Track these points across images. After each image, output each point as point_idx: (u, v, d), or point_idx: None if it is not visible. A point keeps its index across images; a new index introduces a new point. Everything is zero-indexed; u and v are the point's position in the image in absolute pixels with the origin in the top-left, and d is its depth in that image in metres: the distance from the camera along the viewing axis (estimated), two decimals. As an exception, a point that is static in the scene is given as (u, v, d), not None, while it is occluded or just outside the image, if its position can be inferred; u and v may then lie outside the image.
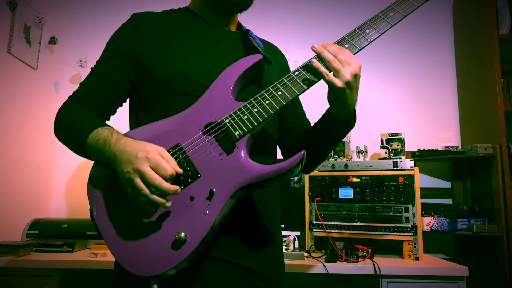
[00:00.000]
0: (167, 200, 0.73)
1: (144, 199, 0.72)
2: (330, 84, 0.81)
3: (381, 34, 0.87)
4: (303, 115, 1.12)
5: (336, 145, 0.96)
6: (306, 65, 0.86)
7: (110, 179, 0.81)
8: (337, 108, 0.87)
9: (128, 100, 0.98)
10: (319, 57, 0.83)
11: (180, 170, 0.75)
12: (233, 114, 0.82)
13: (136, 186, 0.72)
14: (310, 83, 0.84)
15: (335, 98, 0.84)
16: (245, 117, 0.81)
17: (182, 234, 0.73)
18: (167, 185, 0.72)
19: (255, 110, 0.82)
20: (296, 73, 0.85)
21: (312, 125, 1.01)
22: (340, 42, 0.87)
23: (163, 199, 0.73)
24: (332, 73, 0.81)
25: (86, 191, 0.85)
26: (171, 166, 0.73)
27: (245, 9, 0.97)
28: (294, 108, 1.10)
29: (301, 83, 0.83)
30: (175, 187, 0.73)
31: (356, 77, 0.81)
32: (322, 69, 0.81)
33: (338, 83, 0.80)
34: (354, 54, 0.84)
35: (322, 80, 0.83)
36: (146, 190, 0.71)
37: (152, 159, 0.72)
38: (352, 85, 0.81)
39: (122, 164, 0.74)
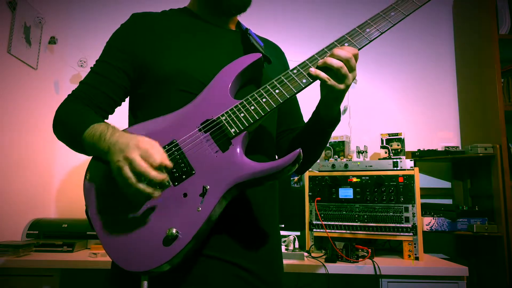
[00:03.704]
0: (155, 189, 0.72)
1: (131, 188, 0.71)
2: (332, 88, 0.80)
3: (382, 33, 0.87)
4: (300, 116, 1.12)
5: (325, 145, 1.00)
6: (305, 63, 0.85)
7: (106, 176, 0.81)
8: (331, 107, 0.88)
9: (127, 99, 0.98)
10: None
11: (169, 164, 0.74)
12: (229, 111, 0.82)
13: (124, 174, 0.71)
14: (308, 82, 0.83)
15: (333, 99, 0.86)
16: (242, 114, 0.81)
17: (174, 230, 0.72)
18: (154, 173, 0.71)
19: (252, 108, 0.82)
20: (294, 71, 0.84)
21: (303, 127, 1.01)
22: (339, 41, 0.86)
23: (151, 188, 0.72)
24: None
25: (86, 191, 0.84)
26: (161, 156, 0.73)
27: (244, 10, 0.97)
28: (292, 109, 1.09)
29: (299, 81, 0.83)
30: (162, 176, 0.72)
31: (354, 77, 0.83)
32: (323, 75, 0.80)
33: (341, 86, 0.80)
34: None
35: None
36: (133, 179, 0.71)
37: (142, 148, 0.73)
38: (349, 86, 0.82)
39: (115, 153, 0.75)
